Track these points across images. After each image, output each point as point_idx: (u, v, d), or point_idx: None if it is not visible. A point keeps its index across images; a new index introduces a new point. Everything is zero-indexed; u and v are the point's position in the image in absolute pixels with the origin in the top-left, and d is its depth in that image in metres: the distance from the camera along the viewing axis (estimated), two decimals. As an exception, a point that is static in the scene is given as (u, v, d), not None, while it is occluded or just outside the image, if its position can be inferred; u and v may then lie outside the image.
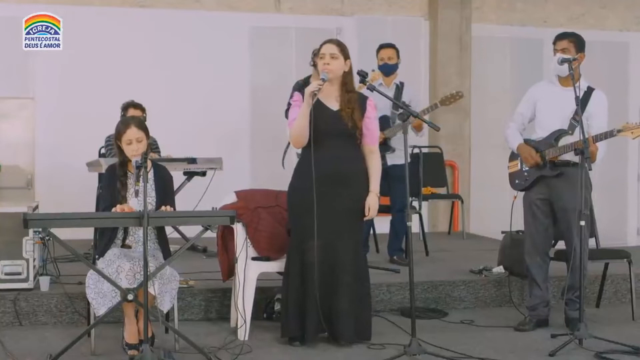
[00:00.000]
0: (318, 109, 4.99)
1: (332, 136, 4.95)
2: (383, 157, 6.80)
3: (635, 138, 5.12)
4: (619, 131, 5.09)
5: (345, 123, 4.95)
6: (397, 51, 6.98)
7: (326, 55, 5.00)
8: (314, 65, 7.38)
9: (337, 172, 4.92)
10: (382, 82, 6.90)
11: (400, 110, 5.16)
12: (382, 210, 7.16)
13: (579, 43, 5.40)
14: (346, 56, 5.04)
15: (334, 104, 5.02)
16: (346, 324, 4.98)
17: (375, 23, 9.63)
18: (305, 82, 7.46)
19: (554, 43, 5.45)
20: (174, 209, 4.84)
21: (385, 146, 6.76)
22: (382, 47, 7.01)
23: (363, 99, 5.11)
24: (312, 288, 4.91)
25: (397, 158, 6.78)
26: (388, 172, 6.85)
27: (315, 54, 7.43)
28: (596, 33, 9.96)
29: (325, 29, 9.26)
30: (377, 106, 6.73)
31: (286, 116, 7.36)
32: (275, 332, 5.22)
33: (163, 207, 4.73)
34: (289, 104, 7.40)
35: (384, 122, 6.79)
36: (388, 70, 6.91)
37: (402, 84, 6.91)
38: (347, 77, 5.05)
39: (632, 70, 10.57)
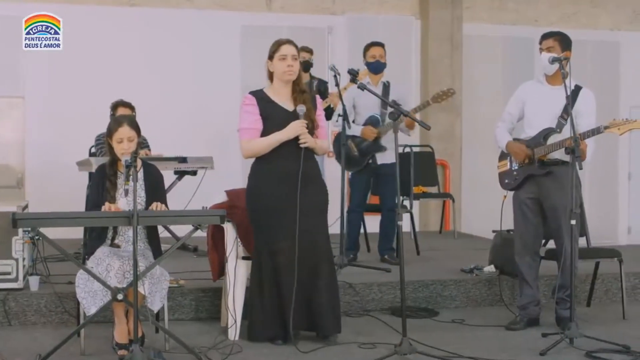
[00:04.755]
0: (273, 110, 5.04)
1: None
2: (373, 156, 6.81)
3: (622, 134, 5.14)
4: (605, 127, 5.09)
5: (306, 123, 4.97)
6: (385, 51, 6.93)
7: (288, 57, 5.05)
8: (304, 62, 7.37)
9: (300, 170, 4.90)
10: (369, 81, 6.87)
11: (390, 109, 5.15)
12: (372, 209, 7.19)
13: (564, 41, 5.40)
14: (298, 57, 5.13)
15: (288, 105, 5.06)
16: (330, 317, 4.99)
17: (366, 22, 9.63)
18: None
19: (540, 42, 5.46)
20: (166, 206, 4.83)
21: (376, 145, 6.74)
22: (372, 44, 6.94)
23: (313, 98, 5.22)
24: (291, 287, 4.88)
25: (386, 157, 6.76)
26: (377, 171, 6.85)
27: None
28: (587, 32, 9.99)
29: (316, 28, 9.27)
30: (367, 105, 6.78)
31: None
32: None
33: (154, 205, 4.72)
34: None
35: (373, 121, 6.78)
36: (379, 68, 6.87)
37: (388, 82, 6.88)
38: (298, 77, 5.11)
39: (623, 70, 10.60)
